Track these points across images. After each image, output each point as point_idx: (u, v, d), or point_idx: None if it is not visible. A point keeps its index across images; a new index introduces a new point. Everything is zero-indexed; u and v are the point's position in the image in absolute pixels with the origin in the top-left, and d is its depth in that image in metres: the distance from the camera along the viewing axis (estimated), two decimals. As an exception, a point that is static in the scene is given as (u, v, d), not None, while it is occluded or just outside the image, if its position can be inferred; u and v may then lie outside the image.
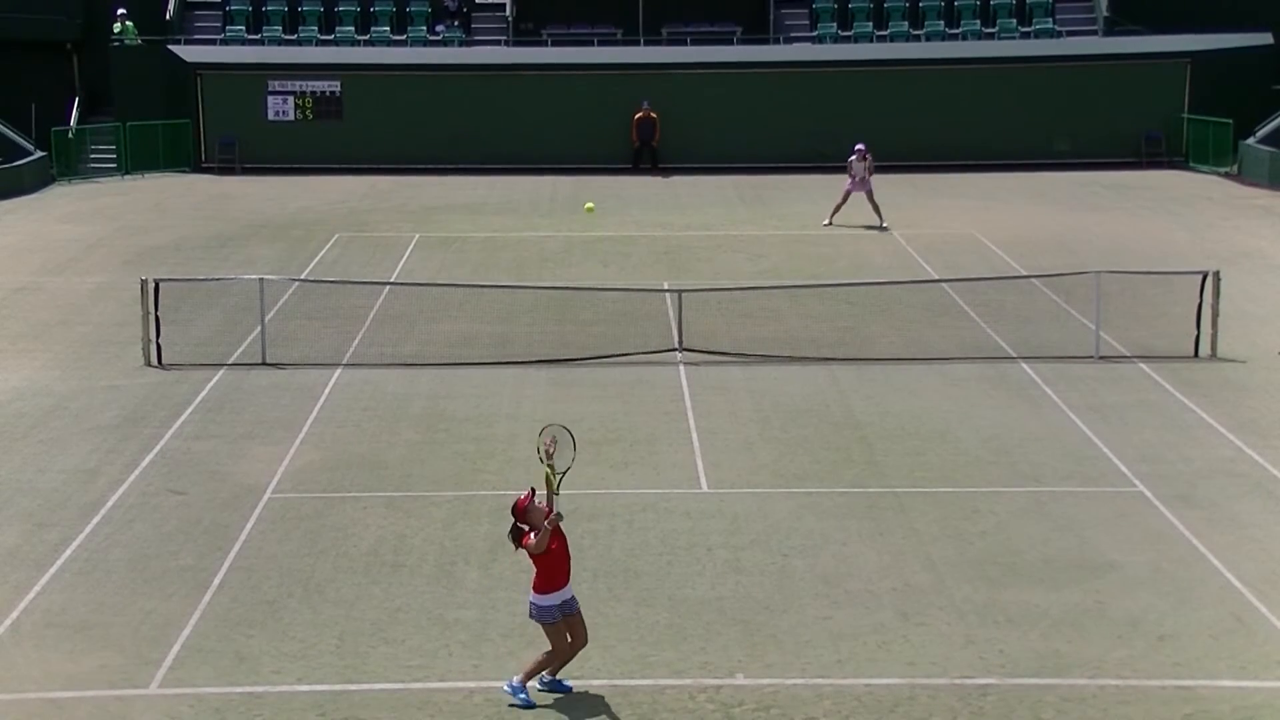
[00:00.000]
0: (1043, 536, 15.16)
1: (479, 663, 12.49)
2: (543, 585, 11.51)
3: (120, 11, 42.16)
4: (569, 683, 11.81)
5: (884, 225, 32.00)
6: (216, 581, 14.13)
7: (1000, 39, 43.48)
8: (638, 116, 40.84)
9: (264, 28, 44.33)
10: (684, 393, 20.24)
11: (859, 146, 32.83)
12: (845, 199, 32.54)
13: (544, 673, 11.67)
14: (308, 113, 41.78)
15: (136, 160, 41.20)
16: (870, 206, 32.29)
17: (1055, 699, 11.87)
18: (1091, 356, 21.73)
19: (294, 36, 44.15)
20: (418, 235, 31.87)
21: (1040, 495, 16.34)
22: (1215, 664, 12.44)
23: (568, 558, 11.59)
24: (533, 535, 11.44)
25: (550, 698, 11.73)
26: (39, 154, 40.15)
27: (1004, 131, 41.41)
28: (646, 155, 41.10)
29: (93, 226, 33.27)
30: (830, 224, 32.34)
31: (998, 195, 36.89)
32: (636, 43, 43.34)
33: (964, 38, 43.71)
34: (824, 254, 29.60)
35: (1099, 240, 30.59)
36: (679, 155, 40.68)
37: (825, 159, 38.75)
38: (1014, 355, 21.97)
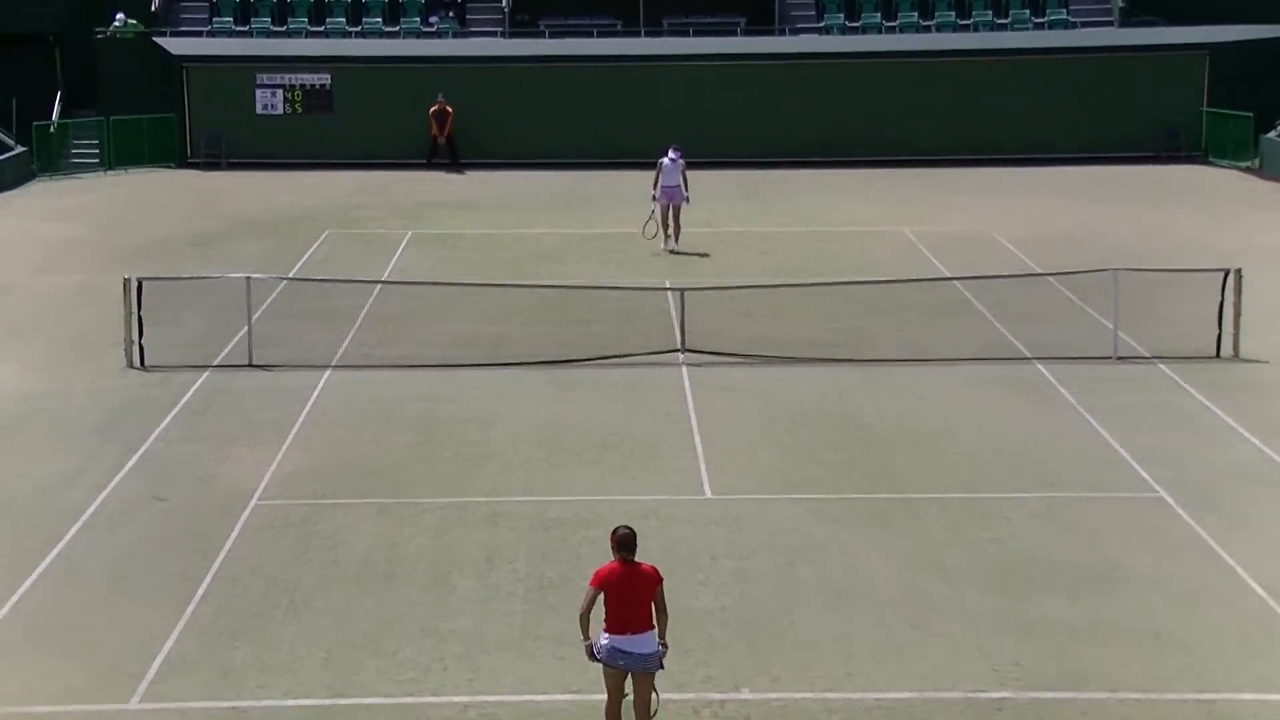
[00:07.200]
0: (1059, 544, 15.09)
1: (474, 677, 12.42)
2: (605, 622, 11.07)
3: (119, 16, 42.04)
4: None
5: (675, 246, 29.13)
6: (200, 591, 14.06)
7: (1013, 30, 43.40)
8: (432, 109, 40.50)
9: (252, 19, 44.25)
10: (686, 395, 20.18)
11: (674, 152, 29.54)
12: (670, 215, 29.15)
13: None
14: (297, 106, 41.70)
15: (120, 155, 41.12)
16: (673, 222, 29.25)
17: (1073, 713, 11.80)
18: (1109, 357, 21.66)
19: (283, 28, 44.05)
20: (410, 232, 31.81)
21: (1056, 501, 16.26)
22: (1239, 676, 12.37)
23: (630, 602, 10.96)
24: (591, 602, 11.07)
25: (550, 713, 11.64)
26: (19, 149, 40.06)
27: (1017, 125, 41.31)
28: (444, 150, 40.76)
29: (74, 224, 33.20)
30: (668, 250, 29.05)
31: (1011, 191, 36.83)
32: (637, 34, 43.24)
33: (975, 29, 43.61)
34: (832, 251, 29.52)
35: (1117, 237, 30.52)
36: (686, 152, 40.50)
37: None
38: (1029, 356, 21.90)
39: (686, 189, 29.53)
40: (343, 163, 40.64)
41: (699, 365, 21.46)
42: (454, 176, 39.96)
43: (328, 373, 21.22)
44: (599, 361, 21.76)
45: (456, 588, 14.14)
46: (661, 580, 11.15)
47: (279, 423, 19.00)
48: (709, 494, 16.58)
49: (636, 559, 11.11)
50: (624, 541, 11.13)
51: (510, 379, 20.97)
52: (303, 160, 40.77)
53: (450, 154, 40.97)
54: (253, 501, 16.35)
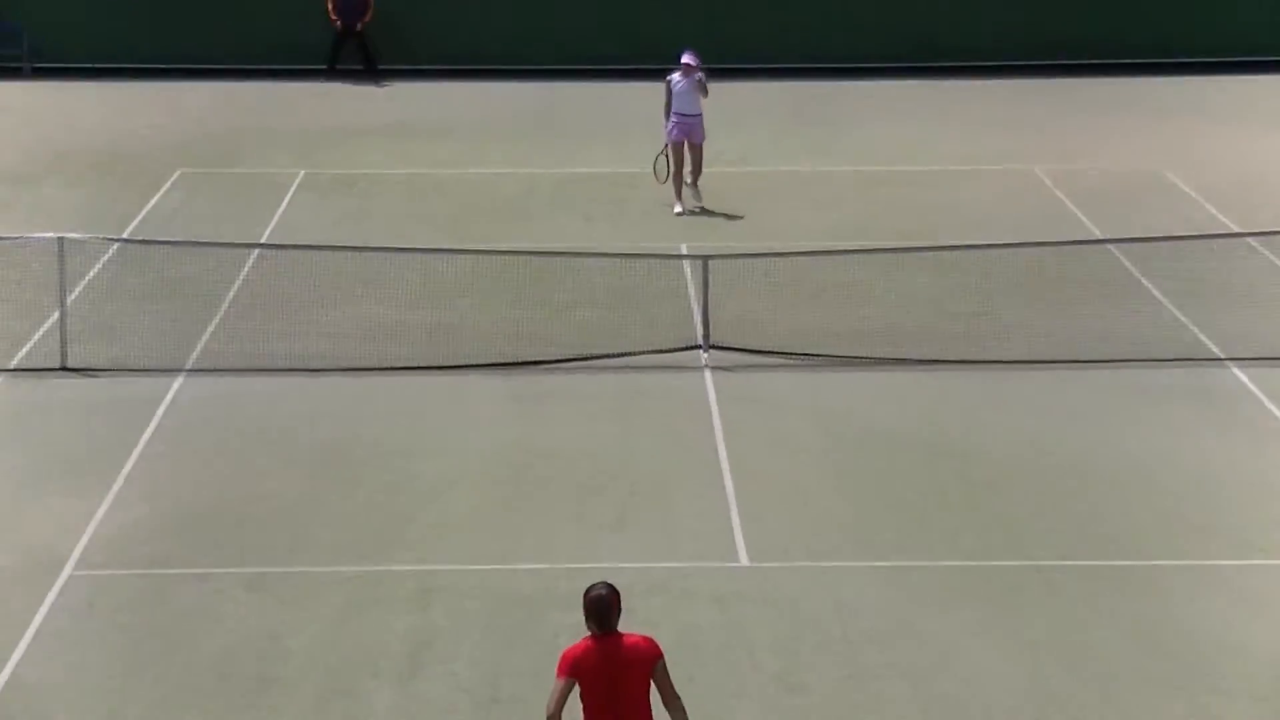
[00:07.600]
0: (1263, 629, 15.16)
1: (394, 831, 12.38)
2: None
3: None
4: None
5: (700, 205, 29.06)
6: (-12, 705, 14.06)
7: None
8: None
9: None
10: (711, 411, 20.26)
11: (687, 59, 29.03)
12: (687, 157, 28.95)
13: None
14: (135, -15, 41.76)
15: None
16: (690, 164, 29.05)
17: None
18: (1339, 358, 21.75)
19: None
20: (303, 171, 31.85)
21: (1258, 570, 16.35)
22: None
23: (617, 690, 11.16)
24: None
25: None
26: None
27: (1199, 15, 41.23)
28: (353, 49, 40.76)
29: None
30: (685, 210, 28.95)
31: (1191, 112, 36.81)
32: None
33: None
34: (926, 202, 29.54)
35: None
36: (711, 56, 40.53)
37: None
38: (1219, 356, 21.98)
39: (705, 94, 29.14)
40: (203, 68, 40.67)
41: (729, 369, 21.53)
42: (369, 89, 39.99)
43: (180, 379, 21.25)
44: (583, 363, 21.82)
45: (369, 699, 14.11)
46: (660, 655, 11.16)
47: (107, 454, 18.99)
48: (745, 559, 16.60)
49: (621, 629, 11.10)
50: (596, 605, 11.13)
51: (453, 389, 21.03)
52: (144, 65, 40.77)
53: (363, 56, 40.96)
54: (66, 570, 16.30)
